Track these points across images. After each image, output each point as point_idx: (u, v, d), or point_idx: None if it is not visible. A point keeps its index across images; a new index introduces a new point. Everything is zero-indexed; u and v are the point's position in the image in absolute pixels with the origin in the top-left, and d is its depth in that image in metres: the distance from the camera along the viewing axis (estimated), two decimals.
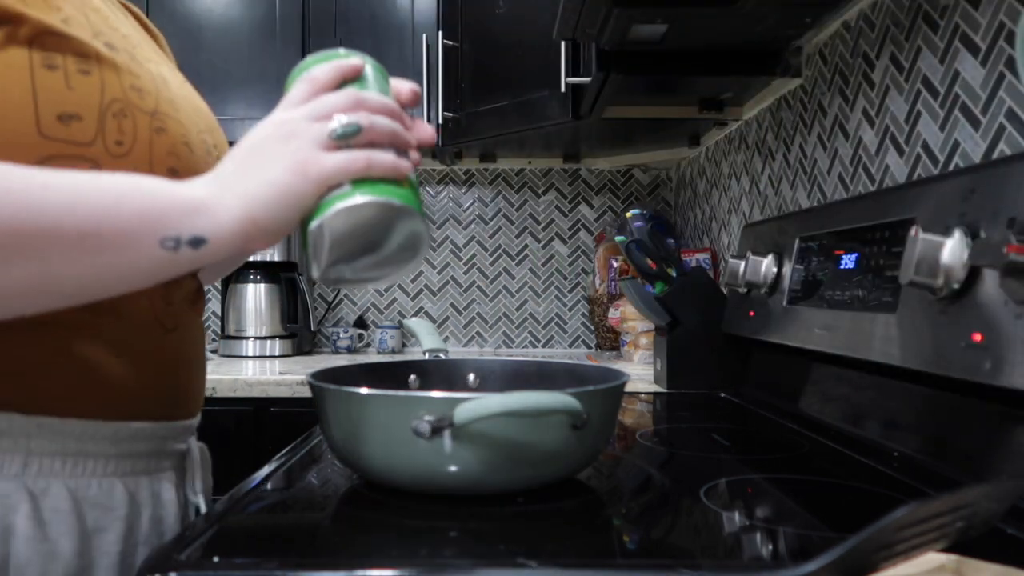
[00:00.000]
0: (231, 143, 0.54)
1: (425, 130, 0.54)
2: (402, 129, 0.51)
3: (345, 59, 0.53)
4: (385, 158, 0.49)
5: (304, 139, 0.48)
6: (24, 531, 0.47)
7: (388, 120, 0.50)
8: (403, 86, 0.55)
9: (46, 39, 0.46)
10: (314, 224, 0.48)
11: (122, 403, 0.53)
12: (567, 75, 1.48)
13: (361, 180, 0.49)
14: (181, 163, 0.54)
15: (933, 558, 0.41)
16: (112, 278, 0.44)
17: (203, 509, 0.62)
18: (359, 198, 0.48)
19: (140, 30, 0.64)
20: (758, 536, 0.50)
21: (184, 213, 0.44)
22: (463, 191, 2.21)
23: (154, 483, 0.57)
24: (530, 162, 2.19)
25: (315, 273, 0.51)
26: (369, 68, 0.54)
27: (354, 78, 0.53)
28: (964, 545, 0.41)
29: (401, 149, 0.51)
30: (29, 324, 0.46)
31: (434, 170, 2.21)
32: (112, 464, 0.52)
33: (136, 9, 0.67)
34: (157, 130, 0.52)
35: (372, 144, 0.50)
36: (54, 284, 0.42)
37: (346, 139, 0.49)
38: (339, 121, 0.49)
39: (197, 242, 0.44)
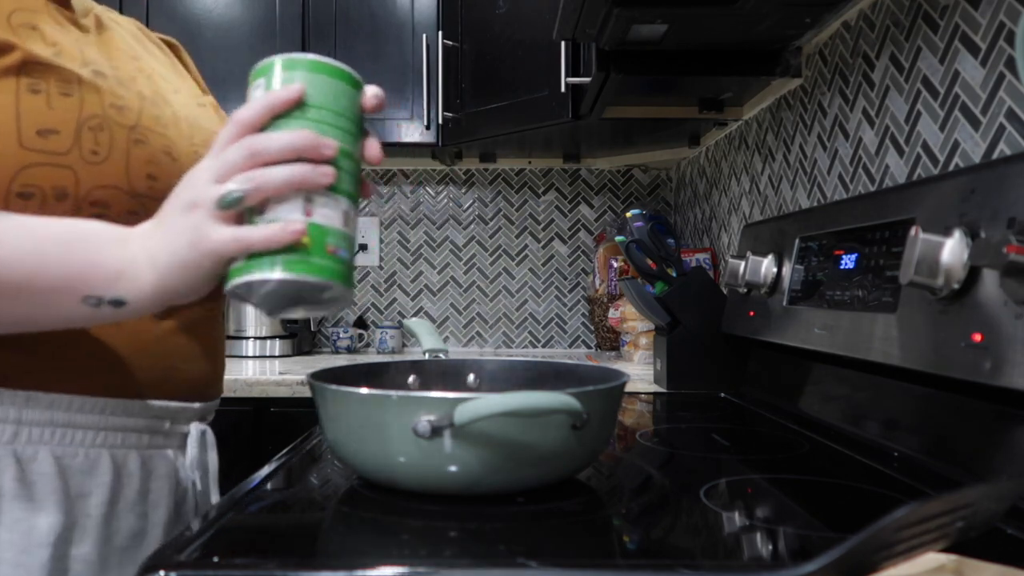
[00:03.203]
0: None
1: (372, 149, 0.51)
2: (312, 170, 0.47)
3: (282, 86, 0.48)
4: (268, 231, 0.47)
5: (202, 208, 0.48)
6: (11, 491, 0.54)
7: (289, 170, 0.47)
8: (367, 92, 0.51)
9: (33, 67, 0.54)
10: (226, 288, 0.49)
11: (108, 380, 0.59)
12: (567, 75, 1.48)
13: (256, 253, 0.47)
14: (161, 171, 0.62)
15: (933, 558, 0.41)
16: (42, 320, 0.50)
17: (199, 487, 0.67)
18: (248, 276, 0.47)
19: (171, 62, 0.76)
20: (758, 536, 0.50)
21: (105, 278, 0.49)
22: (463, 191, 2.21)
23: (146, 458, 0.63)
24: (530, 162, 2.19)
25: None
26: (313, 87, 0.48)
27: (289, 108, 0.48)
28: (964, 545, 0.41)
29: (314, 189, 0.48)
30: None
31: (434, 170, 2.21)
32: (100, 436, 0.59)
33: (174, 42, 0.80)
34: (135, 142, 0.60)
35: (268, 202, 0.47)
36: None
37: (232, 208, 0.47)
38: (226, 189, 0.47)
39: (118, 303, 0.49)
